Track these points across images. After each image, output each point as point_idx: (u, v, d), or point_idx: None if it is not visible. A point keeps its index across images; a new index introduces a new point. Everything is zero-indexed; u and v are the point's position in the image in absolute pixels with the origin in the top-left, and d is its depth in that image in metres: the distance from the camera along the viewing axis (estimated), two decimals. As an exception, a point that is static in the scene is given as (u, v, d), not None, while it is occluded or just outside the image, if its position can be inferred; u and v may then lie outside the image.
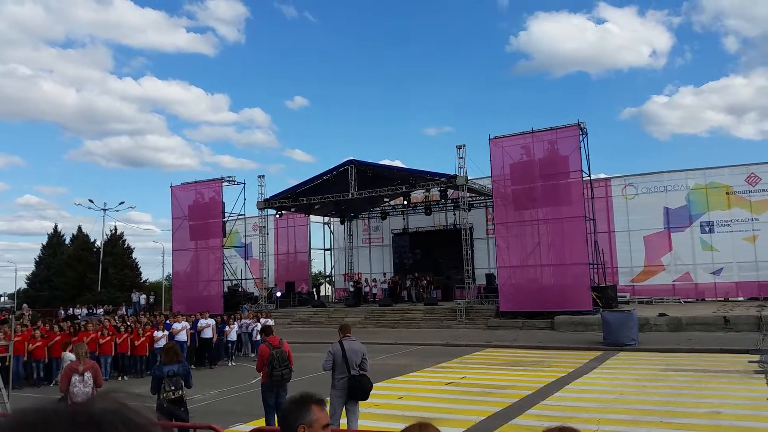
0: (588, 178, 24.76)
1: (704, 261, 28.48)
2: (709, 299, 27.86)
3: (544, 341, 20.28)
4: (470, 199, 30.28)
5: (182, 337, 17.53)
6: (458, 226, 32.72)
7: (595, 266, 24.37)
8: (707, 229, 28.47)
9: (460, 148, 27.01)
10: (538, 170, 24.69)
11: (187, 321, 18.49)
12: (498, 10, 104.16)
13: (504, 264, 25.20)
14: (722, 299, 27.29)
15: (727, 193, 28.05)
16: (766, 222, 27.19)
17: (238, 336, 20.13)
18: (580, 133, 24.11)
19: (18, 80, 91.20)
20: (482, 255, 32.68)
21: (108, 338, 16.66)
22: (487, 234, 32.81)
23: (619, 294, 26.99)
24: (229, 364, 18.82)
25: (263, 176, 33.07)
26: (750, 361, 14.84)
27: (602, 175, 32.36)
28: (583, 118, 27.38)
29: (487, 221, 33.32)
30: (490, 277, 29.51)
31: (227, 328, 19.36)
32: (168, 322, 18.78)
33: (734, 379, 12.82)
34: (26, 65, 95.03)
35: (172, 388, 7.76)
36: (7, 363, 12.16)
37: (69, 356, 12.03)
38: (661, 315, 21.61)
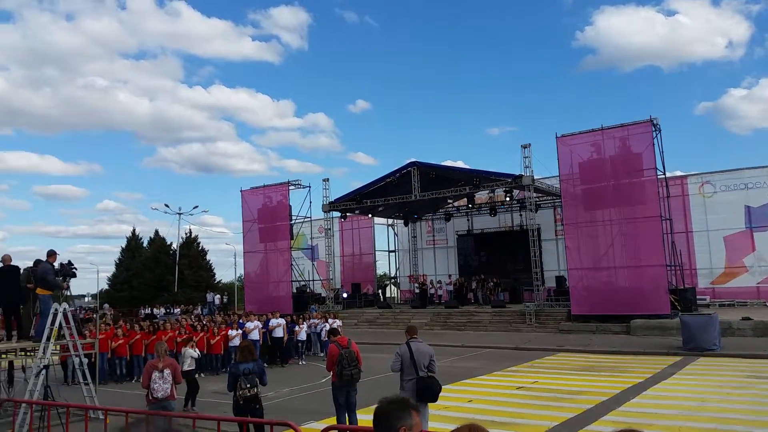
0: (663, 176, 23.75)
1: (792, 262, 26.74)
2: (799, 303, 26.12)
3: (619, 346, 19.57)
4: (537, 199, 29.66)
5: (255, 336, 18.03)
6: (525, 227, 32.04)
7: (673, 268, 23.34)
8: (795, 228, 26.71)
9: (525, 147, 26.50)
10: (609, 169, 23.88)
11: (259, 320, 19.00)
12: (563, 5, 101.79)
13: (575, 266, 24.50)
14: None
15: (817, 190, 26.23)
16: None
17: (308, 336, 20.51)
18: (653, 129, 23.17)
19: (96, 92, 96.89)
20: (551, 257, 31.92)
21: (185, 337, 17.31)
22: (556, 235, 32.04)
23: (698, 297, 25.81)
24: (300, 363, 19.20)
25: (328, 179, 33.62)
26: None
27: (678, 173, 30.99)
28: (656, 113, 26.39)
29: (555, 222, 32.54)
30: (560, 280, 28.79)
31: (297, 327, 19.76)
32: (241, 321, 19.36)
33: (830, 388, 11.95)
34: (103, 77, 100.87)
35: (248, 385, 7.97)
36: (92, 360, 12.85)
37: (190, 352, 12.59)
38: (745, 319, 20.46)
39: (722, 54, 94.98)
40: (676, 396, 11.78)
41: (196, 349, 13.49)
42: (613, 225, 23.82)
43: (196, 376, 17.07)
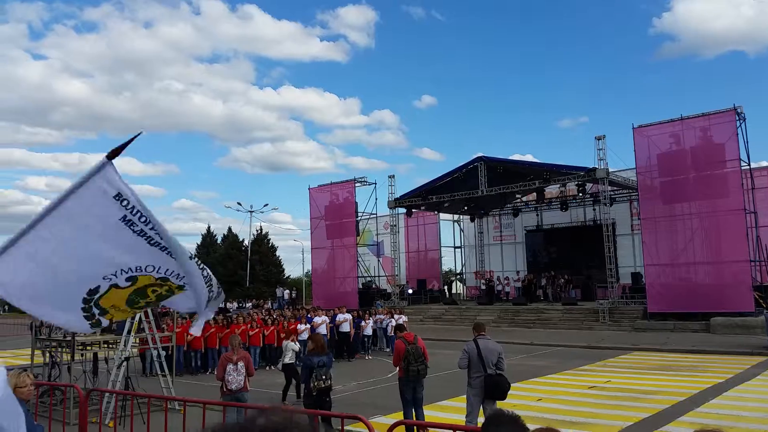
0: (747, 167, 22.40)
1: None
2: None
3: (698, 344, 18.66)
4: (612, 192, 28.64)
5: (322, 330, 18.31)
6: (598, 221, 31.01)
7: (757, 263, 22.00)
8: None
9: (599, 139, 25.63)
10: (689, 160, 22.77)
11: (326, 315, 19.32)
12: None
13: (652, 262, 23.52)
14: None
15: None
16: None
17: (374, 331, 20.67)
18: (737, 118, 21.88)
19: (172, 95, 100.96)
20: (626, 252, 30.75)
21: (257, 330, 17.83)
22: (632, 230, 30.84)
23: (786, 294, 24.18)
24: (366, 358, 19.38)
25: (393, 176, 33.75)
26: None
27: (764, 164, 29.09)
28: (740, 101, 24.91)
29: (631, 216, 31.30)
30: (636, 276, 27.69)
31: (363, 323, 19.95)
32: (309, 316, 19.75)
33: None
34: (178, 81, 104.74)
35: (323, 377, 8.13)
36: (169, 352, 13.41)
37: (291, 345, 12.95)
38: (841, 319, 19.01)
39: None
40: (759, 398, 11.11)
41: (297, 343, 13.84)
42: (693, 219, 22.73)
43: (266, 368, 17.67)
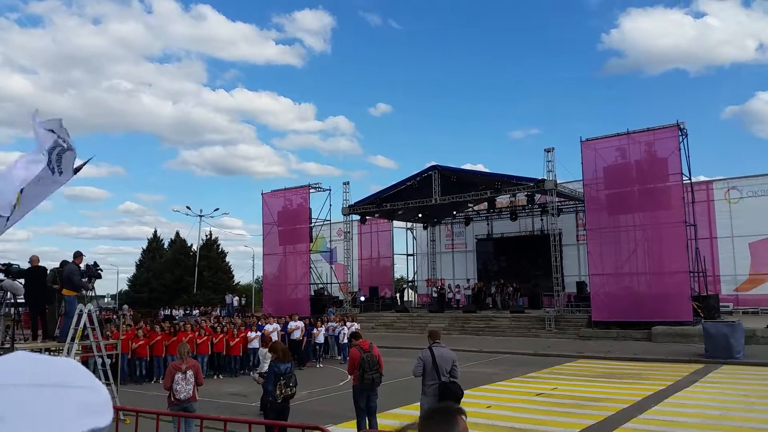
0: (688, 181, 23.40)
1: (820, 270, 26.17)
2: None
3: (640, 353, 19.30)
4: (559, 203, 29.40)
5: (273, 338, 18.08)
6: (546, 231, 31.83)
7: (696, 274, 22.95)
8: (824, 235, 26.15)
9: (548, 151, 26.28)
10: (634, 173, 23.62)
11: (277, 323, 19.07)
12: (588, 7, 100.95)
13: (597, 271, 24.24)
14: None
15: None
16: None
17: (325, 339, 20.52)
18: (680, 133, 22.85)
19: (120, 94, 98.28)
20: (572, 262, 31.62)
21: (205, 338, 17.44)
22: (577, 240, 31.73)
23: (721, 304, 25.30)
24: (317, 366, 19.22)
25: (348, 183, 33.75)
26: None
27: (702, 178, 30.50)
28: (682, 117, 26.03)
29: (577, 227, 32.23)
30: (581, 285, 28.47)
31: (315, 330, 19.79)
32: (260, 323, 19.45)
33: None
34: (127, 80, 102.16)
35: (291, 384, 8.03)
36: (114, 360, 12.98)
37: (265, 353, 12.21)
38: (771, 327, 20.06)
39: (752, 56, 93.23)
40: (698, 405, 11.57)
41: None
42: (636, 230, 23.54)
43: (214, 377, 17.29)
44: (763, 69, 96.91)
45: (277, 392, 7.93)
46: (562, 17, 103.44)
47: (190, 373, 8.63)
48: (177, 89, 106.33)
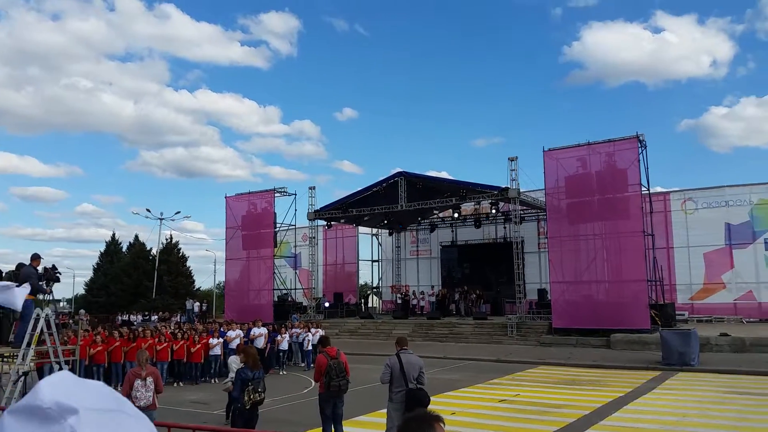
0: (646, 192, 24.02)
1: (769, 279, 27.19)
2: (775, 320, 26.55)
3: (599, 359, 19.70)
4: (522, 212, 29.83)
5: (235, 344, 17.83)
6: (509, 239, 32.26)
7: (653, 283, 23.56)
8: (773, 246, 27.20)
9: (512, 160, 26.66)
10: (594, 183, 24.13)
11: (240, 329, 18.79)
12: (551, 20, 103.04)
13: (557, 279, 24.65)
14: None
15: (795, 209, 26.77)
16: (838, 240, 25.78)
17: (289, 345, 20.31)
18: (639, 145, 23.46)
19: (79, 93, 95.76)
20: (533, 269, 32.11)
21: (165, 345, 17.06)
22: (539, 248, 32.24)
23: (677, 312, 26.06)
24: (281, 373, 18.98)
25: (314, 187, 33.53)
26: (824, 387, 14.02)
27: (659, 189, 31.41)
28: (639, 129, 26.76)
29: (539, 235, 32.76)
30: (542, 293, 28.92)
31: (279, 337, 19.57)
32: (222, 329, 19.14)
33: (807, 405, 12.12)
34: (87, 78, 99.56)
35: (259, 390, 7.91)
36: (71, 367, 12.57)
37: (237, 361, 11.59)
38: (723, 335, 20.72)
39: (706, 72, 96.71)
40: (656, 411, 11.86)
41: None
42: (596, 239, 24.02)
43: (174, 384, 16.91)
44: (716, 85, 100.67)
45: (245, 398, 7.81)
46: (526, 29, 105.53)
47: (150, 380, 8.44)
48: (139, 89, 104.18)
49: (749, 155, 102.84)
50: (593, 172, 24.28)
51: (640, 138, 23.48)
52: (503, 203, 29.38)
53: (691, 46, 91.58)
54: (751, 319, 26.93)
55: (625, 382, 15.32)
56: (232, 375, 10.32)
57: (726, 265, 28.30)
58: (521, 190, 27.13)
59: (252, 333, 18.78)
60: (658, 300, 23.68)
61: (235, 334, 18.04)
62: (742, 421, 10.71)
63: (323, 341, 9.70)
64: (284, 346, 19.68)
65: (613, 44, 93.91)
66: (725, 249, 28.36)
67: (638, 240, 22.81)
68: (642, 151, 23.53)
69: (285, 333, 19.98)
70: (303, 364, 19.94)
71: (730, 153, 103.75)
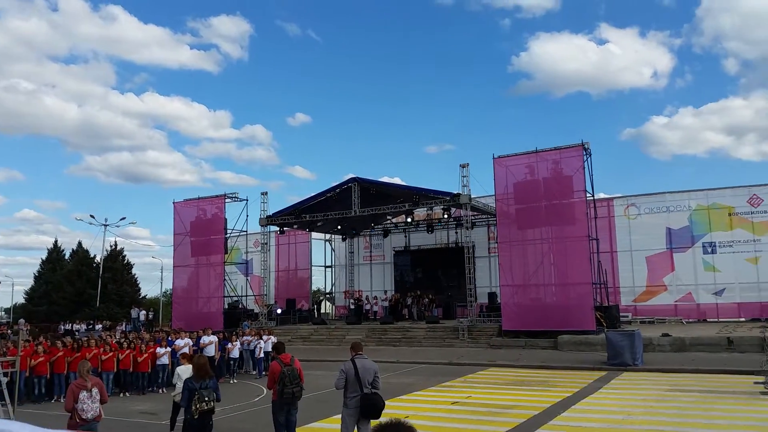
0: (591, 198, 24.81)
1: (706, 282, 28.50)
2: (711, 320, 27.83)
3: (547, 361, 20.18)
4: (473, 217, 30.32)
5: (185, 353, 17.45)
6: (460, 244, 32.76)
7: (598, 286, 24.34)
8: (709, 249, 28.53)
9: (463, 166, 27.11)
10: (542, 190, 24.78)
11: (189, 338, 18.40)
12: (500, 30, 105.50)
13: (507, 283, 25.16)
14: (724, 320, 27.22)
15: (730, 215, 28.16)
16: (768, 243, 27.24)
17: (240, 353, 20.00)
18: (584, 153, 24.23)
19: (20, 95, 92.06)
20: (484, 274, 32.66)
21: (110, 354, 16.56)
22: (489, 253, 32.84)
23: (621, 314, 26.94)
24: (231, 382, 18.66)
25: (266, 193, 33.19)
26: (755, 383, 14.74)
27: (602, 195, 32.50)
28: (585, 137, 27.54)
29: (489, 240, 33.38)
30: (492, 296, 29.46)
31: (230, 345, 19.25)
32: (170, 338, 18.69)
33: (741, 400, 12.75)
34: (28, 80, 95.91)
35: (206, 399, 7.71)
36: (9, 378, 12.07)
37: (184, 369, 10.80)
38: (665, 335, 21.56)
39: (648, 83, 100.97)
40: (603, 410, 12.23)
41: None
42: (543, 244, 24.64)
43: (120, 395, 16.43)
44: (657, 95, 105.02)
45: (193, 408, 7.66)
46: (477, 38, 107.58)
47: (95, 390, 8.19)
48: (83, 91, 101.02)
49: (687, 163, 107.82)
50: (540, 179, 24.93)
51: (585, 146, 24.26)
52: (455, 209, 29.80)
53: (634, 58, 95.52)
54: (691, 320, 28.15)
55: (573, 383, 15.73)
56: (179, 384, 10.04)
57: (667, 268, 29.49)
58: (472, 196, 27.59)
59: (202, 341, 18.40)
60: (603, 302, 24.45)
61: (184, 343, 17.65)
62: (682, 417, 11.17)
63: (277, 348, 9.60)
64: (235, 354, 19.35)
65: (559, 55, 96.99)
66: (666, 253, 29.55)
67: (583, 244, 23.53)
68: (587, 158, 24.32)
69: (236, 341, 19.67)
70: (254, 372, 19.67)
71: (670, 160, 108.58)
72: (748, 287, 27.60)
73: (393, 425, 2.48)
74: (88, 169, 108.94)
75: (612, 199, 31.77)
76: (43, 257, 55.39)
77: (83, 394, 8.07)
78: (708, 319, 28.02)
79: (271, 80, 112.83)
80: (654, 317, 28.79)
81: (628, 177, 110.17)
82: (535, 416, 11.66)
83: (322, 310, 41.00)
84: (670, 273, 29.34)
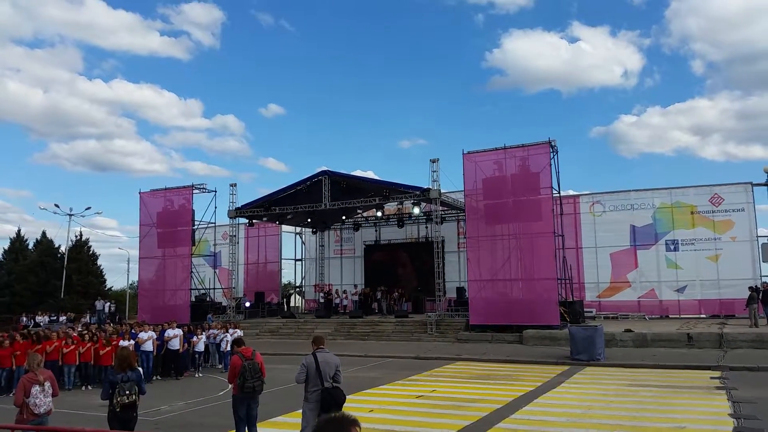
0: (557, 194, 25.15)
1: (669, 278, 29.11)
2: (673, 316, 28.48)
3: (512, 355, 20.45)
4: (443, 212, 30.47)
5: (148, 347, 17.22)
6: (430, 239, 32.91)
7: (563, 281, 24.72)
8: (672, 247, 29.16)
9: (434, 161, 27.22)
10: (509, 186, 25.02)
11: (153, 330, 18.14)
12: (473, 26, 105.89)
13: (474, 277, 25.39)
14: (686, 316, 27.91)
15: (692, 213, 28.80)
16: (728, 242, 27.95)
17: (206, 347, 19.80)
18: (551, 150, 24.53)
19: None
20: (453, 268, 32.87)
21: (72, 347, 16.26)
22: (458, 247, 33.05)
23: (585, 309, 27.44)
24: (196, 375, 18.50)
25: (235, 184, 32.82)
26: (712, 377, 15.21)
27: (571, 192, 32.95)
28: (554, 135, 28.08)
29: (458, 235, 33.58)
30: (460, 291, 29.69)
31: (195, 338, 19.04)
32: (134, 331, 18.40)
33: (697, 394, 13.11)
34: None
35: (127, 392, 7.65)
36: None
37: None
38: (627, 331, 22.00)
39: (618, 82, 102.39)
40: (565, 404, 12.46)
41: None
42: (510, 239, 24.91)
43: (82, 388, 16.14)
44: (626, 94, 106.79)
45: (114, 401, 7.62)
46: (451, 33, 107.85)
47: (47, 384, 8.00)
48: (48, 77, 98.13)
49: (654, 161, 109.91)
50: (509, 175, 25.17)
51: (552, 143, 24.57)
52: (425, 203, 29.91)
53: (605, 56, 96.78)
54: (653, 316, 28.76)
55: (537, 377, 15.98)
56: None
57: (631, 265, 30.06)
58: (442, 191, 27.72)
59: (166, 335, 18.17)
60: (568, 297, 24.85)
61: (148, 336, 17.42)
62: (641, 411, 11.43)
63: (238, 342, 9.54)
64: (200, 347, 19.15)
65: (531, 52, 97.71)
66: (630, 250, 30.11)
67: (549, 240, 23.87)
68: (554, 156, 24.62)
69: (201, 334, 19.47)
70: (220, 366, 19.49)
71: (637, 158, 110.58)
72: (708, 284, 28.29)
73: (336, 419, 2.48)
74: (54, 157, 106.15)
75: (578, 196, 32.24)
76: (6, 247, 53.96)
77: (35, 389, 7.87)
78: (670, 315, 28.66)
79: (243, 70, 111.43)
80: (618, 313, 29.35)
81: (597, 174, 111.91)
82: (498, 410, 11.82)
83: (292, 304, 40.84)
84: (633, 270, 29.92)
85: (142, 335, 17.47)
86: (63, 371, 15.98)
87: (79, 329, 20.12)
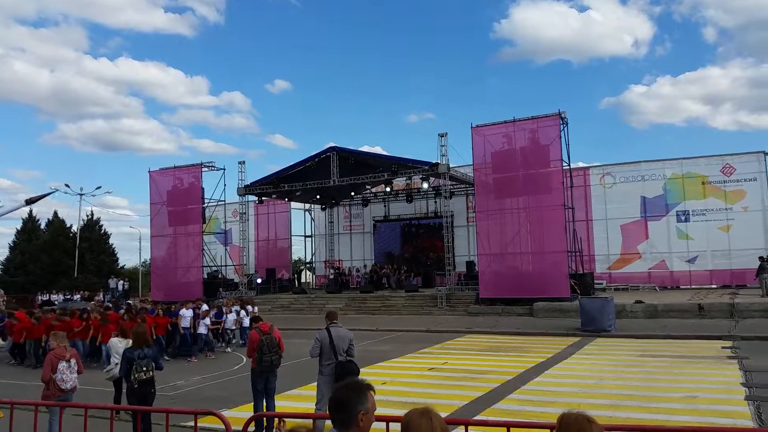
0: (567, 167, 25.01)
1: (679, 249, 29.06)
2: (684, 287, 28.50)
3: (523, 327, 20.60)
4: (452, 186, 30.43)
5: (185, 323, 17.41)
6: (439, 213, 32.91)
7: (573, 254, 24.73)
8: (683, 218, 29.04)
9: (442, 136, 27.09)
10: (519, 159, 24.91)
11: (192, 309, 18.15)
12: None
13: (484, 251, 25.45)
14: (696, 287, 27.91)
15: (703, 183, 28.61)
16: (740, 212, 27.80)
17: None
18: (561, 122, 24.33)
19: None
20: (462, 242, 32.95)
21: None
22: (468, 222, 33.06)
23: (596, 281, 27.49)
24: (226, 351, 18.41)
25: (244, 162, 32.94)
26: (723, 347, 15.27)
27: (581, 164, 32.79)
28: (564, 106, 27.86)
29: (467, 209, 33.55)
30: (470, 265, 29.79)
31: (224, 316, 18.90)
32: (175, 309, 18.24)
33: (708, 364, 13.17)
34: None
35: (144, 368, 7.86)
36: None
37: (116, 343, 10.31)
38: (638, 302, 22.07)
39: (628, 51, 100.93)
40: (575, 375, 12.58)
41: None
42: (520, 213, 24.89)
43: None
44: (637, 63, 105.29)
45: (132, 377, 7.83)
46: (458, 5, 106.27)
47: (73, 361, 8.22)
48: (55, 56, 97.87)
49: (665, 131, 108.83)
50: (518, 148, 25.04)
51: (562, 115, 24.36)
52: (434, 178, 29.87)
53: (615, 25, 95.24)
54: (664, 287, 28.79)
55: (547, 348, 16.10)
56: (114, 359, 9.88)
57: (641, 236, 30.00)
58: (451, 166, 27.65)
59: (203, 311, 18.26)
60: (578, 270, 24.90)
61: (189, 313, 17.58)
62: (652, 381, 11.52)
63: (255, 318, 9.70)
64: (229, 324, 19.08)
65: (541, 22, 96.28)
66: (641, 221, 30.03)
67: (559, 213, 23.82)
68: (563, 127, 24.44)
69: (230, 312, 19.30)
70: (241, 342, 19.37)
71: (647, 129, 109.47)
72: (719, 255, 28.23)
73: (352, 383, 2.78)
74: (63, 137, 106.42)
75: (588, 168, 32.06)
76: (18, 227, 54.51)
77: (62, 365, 8.07)
78: (681, 286, 28.69)
79: (248, 45, 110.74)
80: (628, 284, 29.38)
81: (607, 146, 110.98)
82: (510, 380, 11.95)
83: (303, 280, 41.16)
84: (644, 241, 29.87)
85: (184, 312, 17.59)
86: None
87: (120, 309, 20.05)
